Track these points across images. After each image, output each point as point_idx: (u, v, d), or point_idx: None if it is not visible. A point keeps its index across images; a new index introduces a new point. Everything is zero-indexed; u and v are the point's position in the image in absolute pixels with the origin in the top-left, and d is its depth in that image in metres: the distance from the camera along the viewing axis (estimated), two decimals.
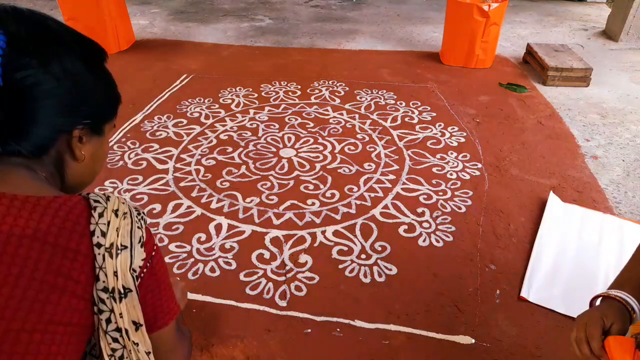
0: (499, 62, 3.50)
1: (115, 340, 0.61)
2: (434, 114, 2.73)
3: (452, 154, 2.34)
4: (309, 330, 1.43)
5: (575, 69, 3.07)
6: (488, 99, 2.93)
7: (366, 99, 2.91)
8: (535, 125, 2.64)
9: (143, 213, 0.67)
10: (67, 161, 0.68)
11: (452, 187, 2.09)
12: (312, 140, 2.45)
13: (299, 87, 3.06)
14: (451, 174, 2.18)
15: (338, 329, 1.44)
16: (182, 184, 2.10)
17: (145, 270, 0.65)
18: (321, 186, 2.09)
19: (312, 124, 2.60)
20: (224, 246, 1.75)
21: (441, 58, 3.53)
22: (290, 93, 2.97)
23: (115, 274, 0.60)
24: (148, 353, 0.65)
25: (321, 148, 2.38)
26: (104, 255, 0.59)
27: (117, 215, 0.62)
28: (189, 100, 2.88)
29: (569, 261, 1.69)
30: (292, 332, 1.43)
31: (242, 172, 2.19)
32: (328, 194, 2.04)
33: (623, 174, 2.22)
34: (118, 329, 0.61)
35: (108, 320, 0.60)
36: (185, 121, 2.64)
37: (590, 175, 2.20)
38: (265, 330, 1.42)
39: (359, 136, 2.50)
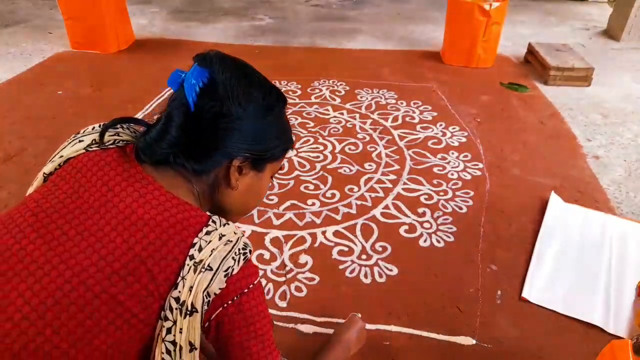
0: (500, 61, 3.48)
1: (168, 352, 0.62)
2: (435, 114, 2.72)
3: (453, 153, 2.33)
4: (310, 331, 1.42)
5: (576, 68, 3.06)
6: (489, 99, 2.92)
7: (367, 98, 2.90)
8: (537, 125, 2.63)
9: (250, 252, 0.69)
10: (221, 186, 0.73)
11: (453, 187, 2.08)
12: (312, 139, 2.44)
13: (299, 86, 3.05)
14: (452, 174, 2.17)
15: None
16: None
17: (230, 302, 0.66)
18: (321, 186, 2.08)
19: (312, 124, 2.59)
20: None
21: (442, 57, 3.52)
22: (290, 92, 2.96)
23: (191, 289, 0.61)
24: None
25: (321, 148, 2.37)
26: (190, 268, 0.62)
27: (219, 239, 0.65)
28: None
29: (570, 262, 1.68)
30: (292, 333, 1.42)
31: None
32: (328, 194, 2.03)
33: (625, 174, 2.21)
34: (174, 343, 0.62)
35: (169, 330, 0.61)
36: None
37: (591, 176, 2.19)
38: None
39: (359, 136, 2.49)
